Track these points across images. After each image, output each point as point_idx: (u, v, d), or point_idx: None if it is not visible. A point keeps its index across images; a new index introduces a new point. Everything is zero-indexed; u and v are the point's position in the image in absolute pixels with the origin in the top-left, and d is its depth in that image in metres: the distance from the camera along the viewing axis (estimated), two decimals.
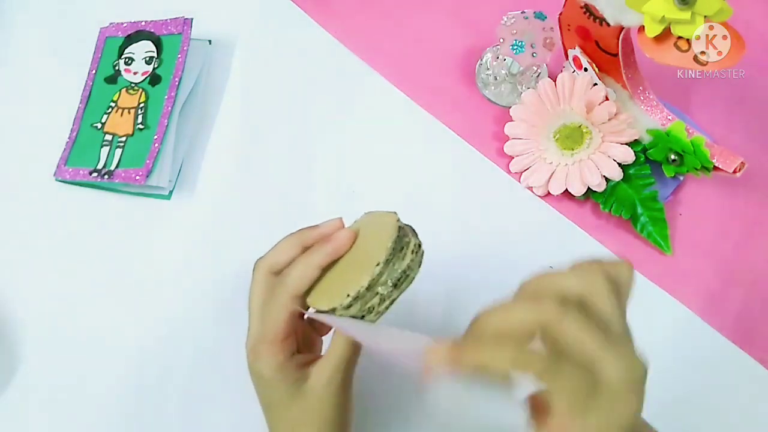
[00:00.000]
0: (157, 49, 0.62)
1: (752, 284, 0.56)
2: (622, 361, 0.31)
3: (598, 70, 0.56)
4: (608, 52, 0.54)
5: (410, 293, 0.39)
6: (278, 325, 0.40)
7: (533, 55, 0.57)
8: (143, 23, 0.64)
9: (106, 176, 0.58)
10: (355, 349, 0.41)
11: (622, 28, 0.50)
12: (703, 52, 0.45)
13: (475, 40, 0.65)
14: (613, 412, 0.31)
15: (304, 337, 0.44)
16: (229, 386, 0.53)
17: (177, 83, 0.60)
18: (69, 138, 0.61)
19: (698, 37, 0.45)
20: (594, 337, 0.31)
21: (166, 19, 0.63)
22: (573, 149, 0.57)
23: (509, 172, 0.60)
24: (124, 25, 0.64)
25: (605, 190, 0.57)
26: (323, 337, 0.45)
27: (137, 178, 0.57)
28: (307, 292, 0.41)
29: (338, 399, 0.41)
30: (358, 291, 0.37)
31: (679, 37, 0.46)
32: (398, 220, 0.40)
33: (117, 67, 0.63)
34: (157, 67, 0.62)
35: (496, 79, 0.62)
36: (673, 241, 0.56)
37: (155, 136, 0.59)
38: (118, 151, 0.59)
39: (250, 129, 0.62)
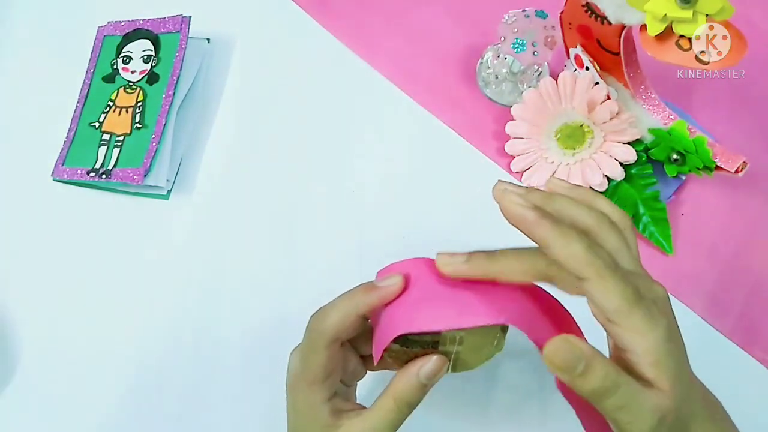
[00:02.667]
0: (155, 47, 0.62)
1: (754, 285, 0.56)
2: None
3: (600, 68, 0.55)
4: (610, 50, 0.53)
5: None
6: (317, 368, 0.38)
7: (534, 54, 0.57)
8: (141, 22, 0.63)
9: (103, 176, 0.58)
10: (393, 423, 0.38)
11: (623, 27, 0.50)
12: (703, 52, 0.45)
13: (475, 38, 0.64)
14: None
15: (349, 368, 0.42)
16: (229, 386, 0.52)
17: (175, 82, 0.60)
18: (66, 137, 0.60)
19: (698, 38, 0.45)
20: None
21: (164, 18, 0.63)
22: (574, 148, 0.57)
23: (510, 171, 0.59)
24: (122, 23, 0.64)
25: (607, 189, 0.56)
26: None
27: (135, 177, 0.57)
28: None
29: None
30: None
31: (681, 36, 0.45)
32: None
33: (115, 66, 0.62)
34: (155, 66, 0.61)
35: (497, 77, 0.61)
36: (675, 241, 0.56)
37: (153, 136, 0.58)
38: (116, 151, 0.59)
39: (248, 128, 0.62)
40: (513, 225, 0.36)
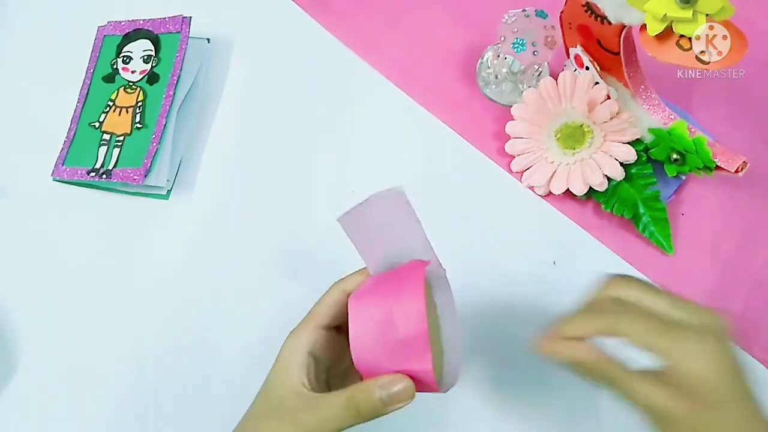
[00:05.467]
0: (155, 47, 0.62)
1: (754, 284, 0.56)
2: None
3: (600, 68, 0.55)
4: (610, 50, 0.53)
5: None
6: (322, 307, 0.41)
7: (534, 54, 0.57)
8: (141, 22, 0.63)
9: (104, 176, 0.58)
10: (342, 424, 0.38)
11: (623, 27, 0.50)
12: (703, 52, 0.45)
13: (475, 38, 0.64)
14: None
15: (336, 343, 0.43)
16: (229, 386, 0.52)
17: (175, 82, 0.60)
18: (67, 137, 0.60)
19: (698, 38, 0.45)
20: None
21: (165, 18, 0.63)
22: (574, 148, 0.57)
23: (510, 171, 0.59)
24: (122, 23, 0.64)
25: (607, 189, 0.56)
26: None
27: (135, 177, 0.57)
28: None
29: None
30: None
31: (681, 36, 0.45)
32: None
33: (115, 66, 0.62)
34: (155, 66, 0.61)
35: (497, 77, 0.61)
36: (675, 241, 0.56)
37: (153, 136, 0.58)
38: (116, 151, 0.59)
39: (248, 128, 0.62)
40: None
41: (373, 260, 0.41)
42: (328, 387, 0.41)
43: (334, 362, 0.42)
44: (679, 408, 0.35)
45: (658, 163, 0.56)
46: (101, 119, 0.61)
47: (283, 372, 0.40)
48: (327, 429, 0.37)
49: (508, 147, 0.59)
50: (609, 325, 0.38)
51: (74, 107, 0.62)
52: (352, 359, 0.37)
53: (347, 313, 0.38)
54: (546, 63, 0.60)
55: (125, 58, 0.62)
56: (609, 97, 0.55)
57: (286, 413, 0.38)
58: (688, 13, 0.44)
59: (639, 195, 0.56)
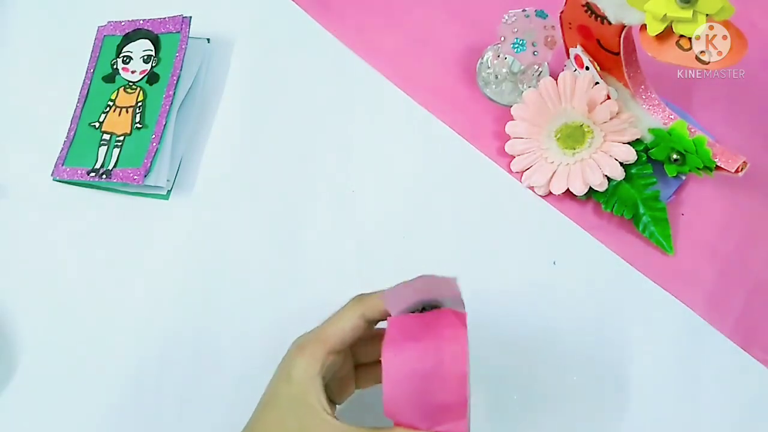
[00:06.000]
0: (155, 47, 0.62)
1: (754, 285, 0.56)
2: None
3: (600, 68, 0.55)
4: (610, 50, 0.53)
5: None
6: (337, 331, 0.39)
7: (534, 54, 0.57)
8: (141, 22, 0.63)
9: (104, 176, 0.58)
10: None
11: (623, 27, 0.50)
12: (703, 52, 0.45)
13: (475, 38, 0.64)
14: None
15: (343, 369, 0.43)
16: (229, 386, 0.52)
17: (175, 82, 0.60)
18: (67, 137, 0.60)
19: (698, 38, 0.45)
20: None
21: (165, 18, 0.63)
22: (574, 148, 0.57)
23: (510, 171, 0.59)
24: (122, 23, 0.64)
25: (607, 189, 0.56)
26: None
27: (135, 177, 0.57)
28: None
29: None
30: None
31: (681, 36, 0.45)
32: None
33: (115, 66, 0.62)
34: (155, 66, 0.61)
35: (497, 77, 0.61)
36: (675, 241, 0.56)
37: (153, 136, 0.58)
38: (116, 151, 0.59)
39: (248, 128, 0.62)
40: None
41: (395, 299, 0.39)
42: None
43: (335, 375, 0.42)
44: None
45: (658, 163, 0.56)
46: (101, 119, 0.61)
47: (301, 398, 0.38)
48: None
49: (508, 147, 0.59)
50: None
51: (74, 107, 0.62)
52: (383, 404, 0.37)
53: (361, 337, 0.38)
54: (546, 63, 0.60)
55: (125, 58, 0.62)
56: (609, 97, 0.55)
57: None
58: (688, 13, 0.44)
59: (639, 195, 0.56)
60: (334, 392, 0.43)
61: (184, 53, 0.61)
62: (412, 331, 0.38)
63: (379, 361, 0.37)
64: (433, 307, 0.41)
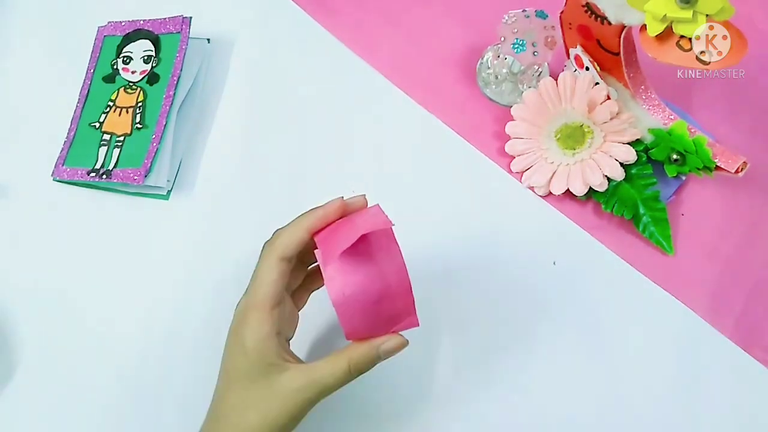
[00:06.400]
0: (155, 48, 0.62)
1: (754, 285, 0.56)
2: None
3: (600, 69, 0.55)
4: (610, 51, 0.53)
5: None
6: (268, 288, 0.40)
7: (534, 54, 0.57)
8: (141, 22, 0.63)
9: (104, 176, 0.58)
10: (339, 382, 0.40)
11: (623, 27, 0.50)
12: (703, 52, 0.45)
13: (475, 38, 0.64)
14: None
15: (287, 312, 0.44)
16: None
17: (175, 82, 0.60)
18: (67, 137, 0.60)
19: (698, 38, 0.45)
20: None
21: (165, 18, 0.63)
22: (574, 149, 0.57)
23: (510, 171, 0.59)
24: (123, 24, 0.64)
25: (607, 190, 0.56)
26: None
27: (135, 177, 0.57)
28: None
29: (300, 411, 0.40)
30: None
31: (681, 36, 0.45)
32: None
33: (115, 66, 0.62)
34: (155, 66, 0.61)
35: (497, 78, 0.61)
36: (675, 241, 0.56)
37: (153, 136, 0.58)
38: (116, 151, 0.59)
39: (248, 128, 0.62)
40: None
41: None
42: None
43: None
44: None
45: (658, 164, 0.56)
46: (101, 119, 0.61)
47: (261, 362, 0.40)
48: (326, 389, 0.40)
49: (508, 147, 0.59)
50: None
51: (74, 107, 0.62)
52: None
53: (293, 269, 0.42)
54: (546, 63, 0.60)
55: (125, 59, 0.62)
56: (609, 98, 0.55)
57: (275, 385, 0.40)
58: (688, 14, 0.44)
59: (639, 195, 0.56)
60: (284, 332, 0.44)
61: (184, 53, 0.61)
62: (349, 261, 0.39)
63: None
64: None
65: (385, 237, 0.40)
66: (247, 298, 0.42)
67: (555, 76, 0.57)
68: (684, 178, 0.58)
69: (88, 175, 0.58)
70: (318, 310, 0.48)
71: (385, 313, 0.40)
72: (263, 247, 0.43)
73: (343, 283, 0.39)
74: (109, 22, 0.64)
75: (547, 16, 0.57)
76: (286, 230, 0.42)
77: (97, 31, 0.64)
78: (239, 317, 0.41)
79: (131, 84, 0.61)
